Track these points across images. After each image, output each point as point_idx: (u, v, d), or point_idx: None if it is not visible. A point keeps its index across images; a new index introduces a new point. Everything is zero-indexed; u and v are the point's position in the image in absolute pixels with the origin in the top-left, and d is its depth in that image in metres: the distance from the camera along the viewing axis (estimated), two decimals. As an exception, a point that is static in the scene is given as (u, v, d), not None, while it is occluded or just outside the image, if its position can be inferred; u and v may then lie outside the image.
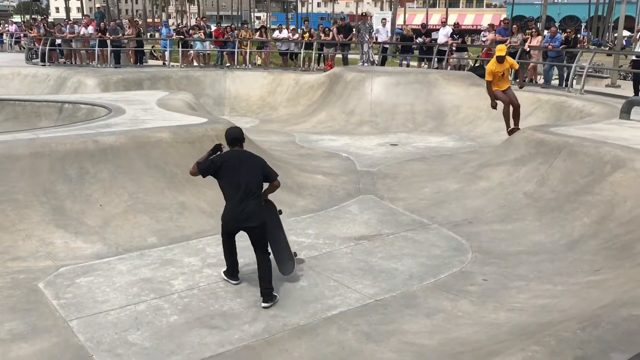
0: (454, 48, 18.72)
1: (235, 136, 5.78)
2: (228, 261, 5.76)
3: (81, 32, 21.42)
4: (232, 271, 5.78)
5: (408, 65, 20.84)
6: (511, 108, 10.88)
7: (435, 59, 18.73)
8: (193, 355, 4.47)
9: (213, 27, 23.83)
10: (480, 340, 4.67)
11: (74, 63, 21.68)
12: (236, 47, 20.72)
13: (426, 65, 19.45)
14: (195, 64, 21.45)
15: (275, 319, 5.09)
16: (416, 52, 20.74)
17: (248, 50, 20.81)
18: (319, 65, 20.88)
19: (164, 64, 22.09)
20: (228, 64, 20.83)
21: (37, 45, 22.37)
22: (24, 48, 26.26)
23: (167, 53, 21.68)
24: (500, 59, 10.55)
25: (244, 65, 20.72)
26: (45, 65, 20.77)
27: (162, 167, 8.24)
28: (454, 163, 10.93)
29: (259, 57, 22.58)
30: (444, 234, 7.33)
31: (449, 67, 18.84)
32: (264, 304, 5.26)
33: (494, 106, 10.82)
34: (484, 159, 10.25)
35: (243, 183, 5.42)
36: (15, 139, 8.05)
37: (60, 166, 7.57)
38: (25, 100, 13.14)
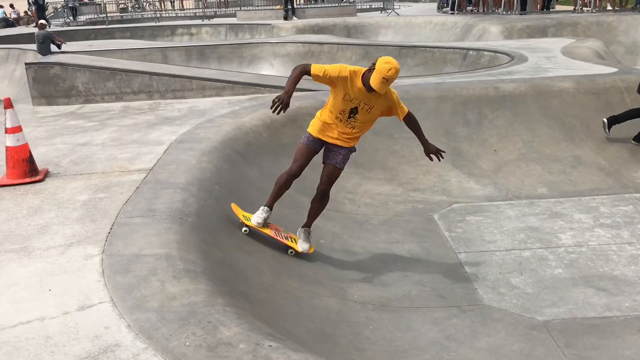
0: None
1: None
2: None
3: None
4: None
5: None
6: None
7: None
8: (575, 312, 4.34)
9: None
10: None
11: (480, 10, 22.24)
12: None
13: None
14: (609, 7, 19.59)
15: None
16: None
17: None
18: None
19: (574, 9, 20.82)
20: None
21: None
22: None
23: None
24: (375, 84, 4.15)
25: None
26: (453, 14, 21.90)
27: (561, 118, 7.96)
28: None
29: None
30: None
31: None
32: None
33: (281, 104, 4.35)
34: None
35: None
36: (425, 83, 8.85)
37: (462, 110, 8.04)
38: (434, 47, 14.17)
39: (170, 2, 37.64)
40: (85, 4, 34.02)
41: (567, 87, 8.26)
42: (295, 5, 25.60)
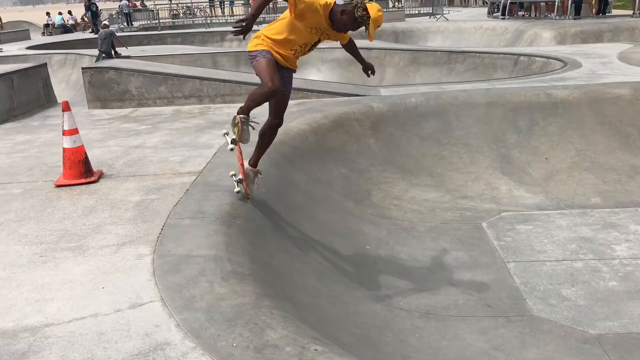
0: None
1: None
2: None
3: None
4: None
5: None
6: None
7: None
8: (631, 326, 4.19)
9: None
10: None
11: (532, 15, 21.81)
12: None
13: None
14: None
15: None
16: None
17: None
18: None
19: (633, 13, 20.19)
20: None
21: (499, -1, 23.30)
22: (487, 3, 27.71)
23: None
24: (372, 33, 4.09)
25: None
26: (504, 19, 21.54)
27: (616, 126, 7.73)
28: None
29: None
30: None
31: None
32: None
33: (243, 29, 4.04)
34: None
35: None
36: (474, 89, 8.73)
37: (512, 116, 7.89)
38: (484, 53, 13.96)
39: (221, 8, 38.32)
40: (139, 10, 34.99)
41: (624, 94, 8.01)
42: (343, 10, 25.65)
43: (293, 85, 4.75)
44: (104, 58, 16.00)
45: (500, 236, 5.81)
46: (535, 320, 4.31)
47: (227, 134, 4.72)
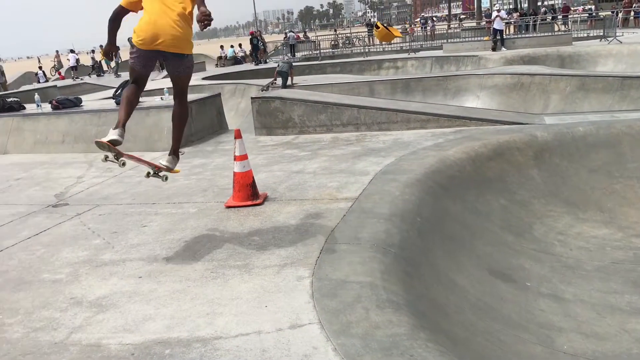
0: None
1: None
2: None
3: None
4: None
5: None
6: None
7: None
8: None
9: None
10: None
11: None
12: None
13: None
14: None
15: None
16: None
17: None
18: None
19: None
20: None
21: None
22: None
23: None
24: None
25: None
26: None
27: None
28: None
29: None
30: None
31: None
32: None
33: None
34: None
35: None
36: (653, 117, 7.99)
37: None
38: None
39: (378, 37, 39.07)
40: (302, 41, 36.93)
41: None
42: (504, 35, 24.91)
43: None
44: (274, 85, 17.23)
45: (683, 281, 5.21)
46: None
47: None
